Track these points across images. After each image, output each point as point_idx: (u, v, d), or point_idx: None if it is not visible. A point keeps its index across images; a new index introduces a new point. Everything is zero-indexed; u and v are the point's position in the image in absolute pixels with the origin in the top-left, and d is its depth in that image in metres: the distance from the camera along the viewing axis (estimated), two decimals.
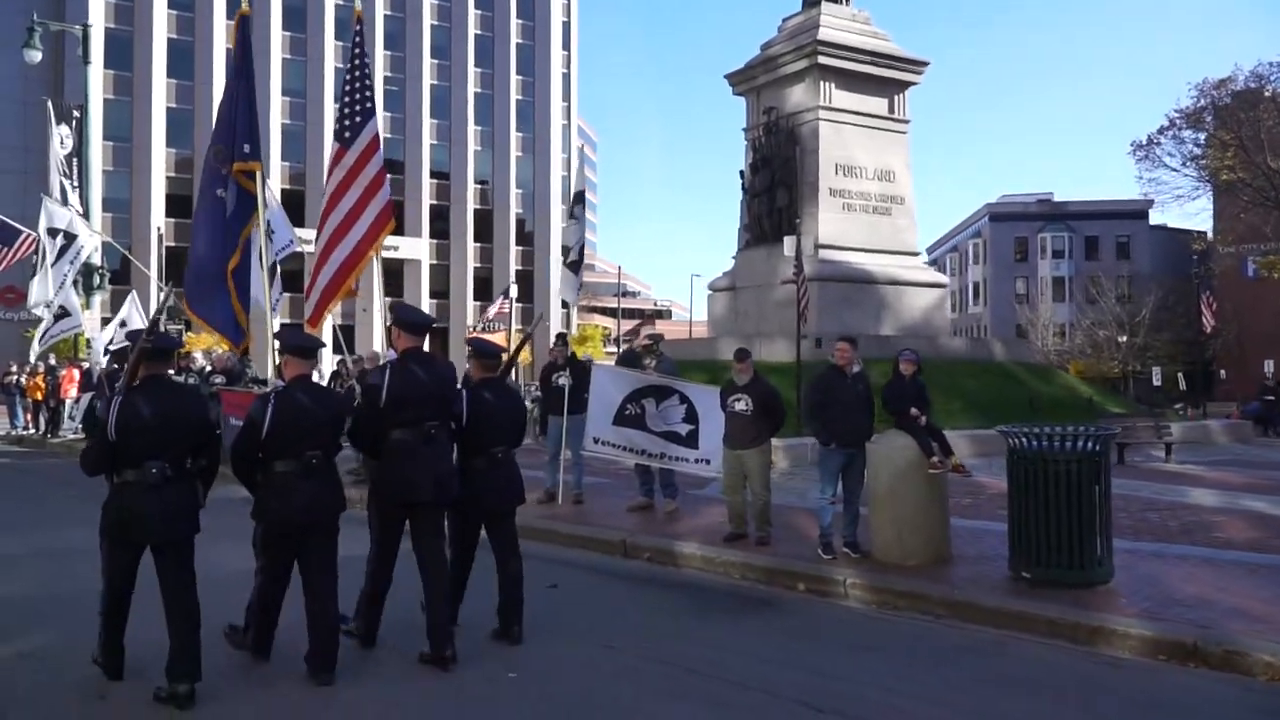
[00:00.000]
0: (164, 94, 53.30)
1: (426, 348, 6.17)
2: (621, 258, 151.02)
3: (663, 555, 8.59)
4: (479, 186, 64.36)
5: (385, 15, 60.92)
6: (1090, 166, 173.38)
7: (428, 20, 62.23)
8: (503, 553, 6.24)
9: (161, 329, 5.90)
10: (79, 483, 5.65)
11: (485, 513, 6.15)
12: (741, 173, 22.68)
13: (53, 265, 16.42)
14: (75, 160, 22.32)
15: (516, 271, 65.57)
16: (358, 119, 10.17)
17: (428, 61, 62.15)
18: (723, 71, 24.07)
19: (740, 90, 23.16)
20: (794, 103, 21.62)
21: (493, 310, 35.54)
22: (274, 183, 56.52)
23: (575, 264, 11.05)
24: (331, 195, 10.21)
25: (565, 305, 57.59)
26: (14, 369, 24.13)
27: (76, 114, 22.48)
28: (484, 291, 64.36)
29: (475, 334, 61.96)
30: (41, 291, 17.27)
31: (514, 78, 65.55)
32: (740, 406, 8.56)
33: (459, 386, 6.25)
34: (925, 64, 22.31)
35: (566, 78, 69.63)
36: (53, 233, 16.60)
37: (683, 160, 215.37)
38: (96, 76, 22.84)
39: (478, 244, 64.26)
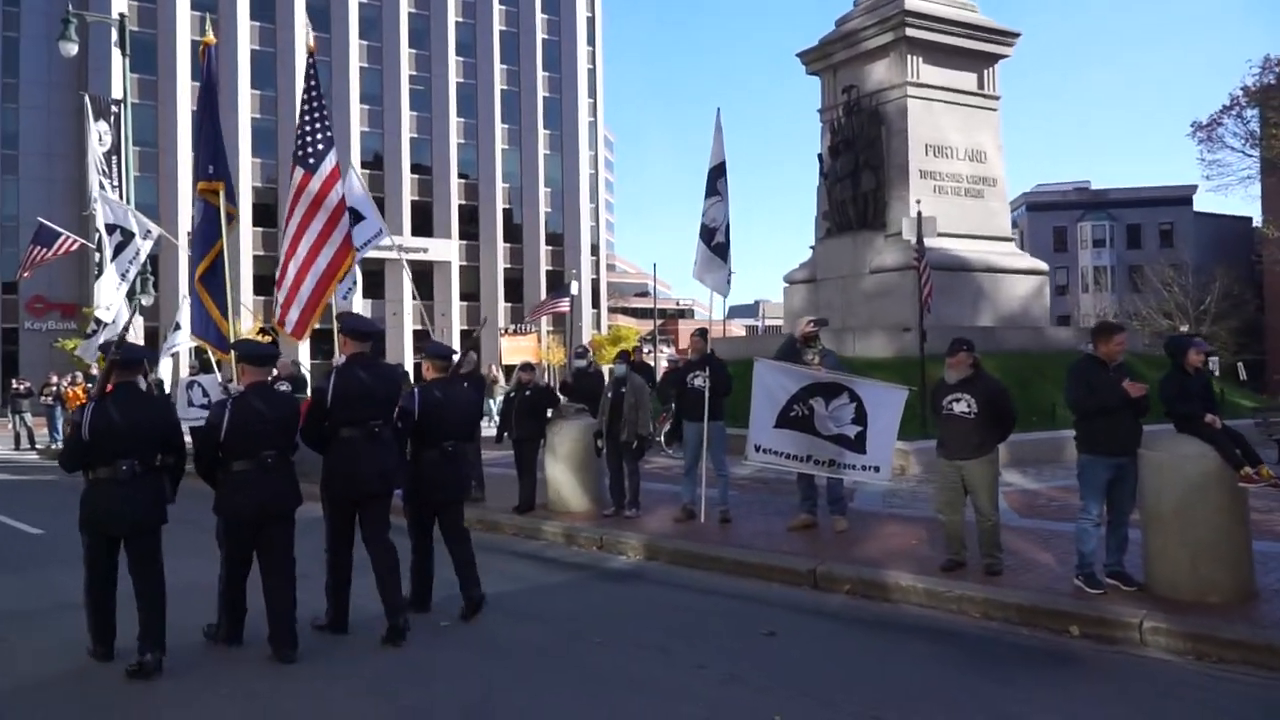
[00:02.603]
0: (189, 98, 52.06)
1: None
2: (637, 257, 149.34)
3: (868, 588, 7.18)
4: (507, 186, 63.06)
5: (410, 13, 59.75)
6: (1124, 153, 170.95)
7: (452, 17, 60.99)
8: (453, 539, 6.77)
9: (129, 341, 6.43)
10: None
11: (436, 502, 6.71)
12: (820, 157, 21.29)
13: (112, 262, 15.17)
14: (114, 157, 21.12)
15: (547, 272, 64.25)
16: (319, 146, 10.78)
17: (453, 59, 60.89)
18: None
19: (814, 69, 21.72)
20: (876, 80, 20.18)
21: (548, 306, 34.20)
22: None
23: (722, 246, 9.62)
24: (303, 217, 10.80)
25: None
26: (54, 380, 22.92)
27: (115, 109, 21.27)
28: (514, 293, 63.08)
29: (507, 332, 60.68)
30: (108, 293, 16.06)
31: (540, 74, 64.23)
32: (960, 409, 7.14)
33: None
34: (1016, 35, 20.81)
35: (592, 74, 68.24)
36: (110, 229, 15.32)
37: (695, 158, 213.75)
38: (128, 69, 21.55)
39: (507, 244, 62.93)
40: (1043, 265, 21.10)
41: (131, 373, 5.77)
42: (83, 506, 5.57)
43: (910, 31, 19.40)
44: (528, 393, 10.70)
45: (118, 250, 15.07)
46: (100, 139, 20.78)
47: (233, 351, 7.39)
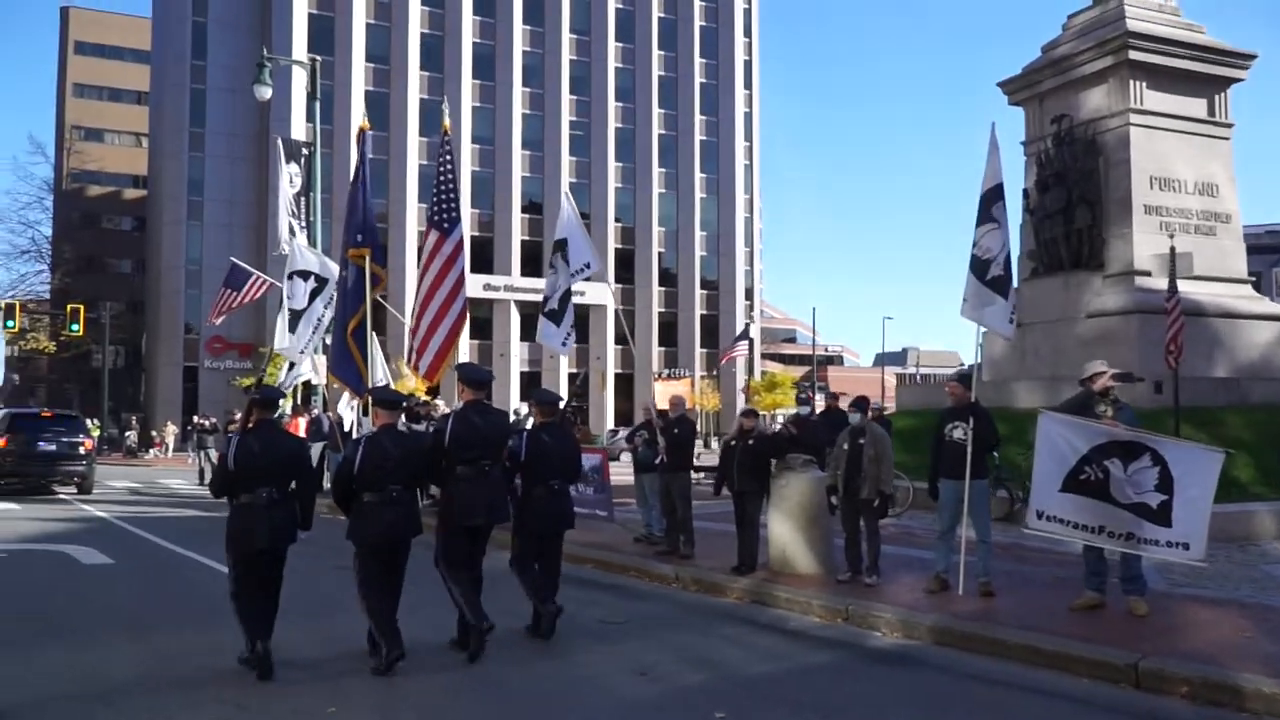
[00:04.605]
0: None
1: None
2: (782, 302, 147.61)
3: (1215, 691, 5.87)
4: (662, 230, 62.92)
5: (571, 60, 60.66)
6: None
7: (612, 63, 61.62)
8: (549, 566, 7.42)
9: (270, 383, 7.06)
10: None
11: (541, 534, 7.36)
12: (1025, 192, 19.80)
13: (305, 309, 15.27)
14: (304, 199, 21.45)
15: (701, 316, 63.63)
16: (452, 214, 12.06)
17: (612, 104, 61.42)
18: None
19: (1018, 99, 20.33)
20: (1092, 108, 18.66)
21: (729, 358, 33.58)
22: (465, 228, 56.63)
23: (1000, 280, 8.53)
24: (437, 274, 11.94)
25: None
26: (238, 416, 23.37)
27: (306, 151, 21.66)
28: (668, 337, 62.65)
29: (661, 378, 60.28)
30: (283, 338, 16.20)
31: (698, 118, 64.15)
32: None
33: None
34: (1252, 57, 18.98)
35: (748, 117, 67.76)
36: (304, 275, 15.43)
37: (839, 202, 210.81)
38: (300, 112, 21.96)
39: (662, 288, 62.64)
40: None
41: (269, 411, 6.53)
42: (229, 527, 6.33)
43: (1133, 55, 17.87)
44: (750, 441, 9.76)
45: (313, 295, 15.28)
46: (291, 181, 21.14)
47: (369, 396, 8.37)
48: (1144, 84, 18.15)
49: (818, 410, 15.41)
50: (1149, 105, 18.10)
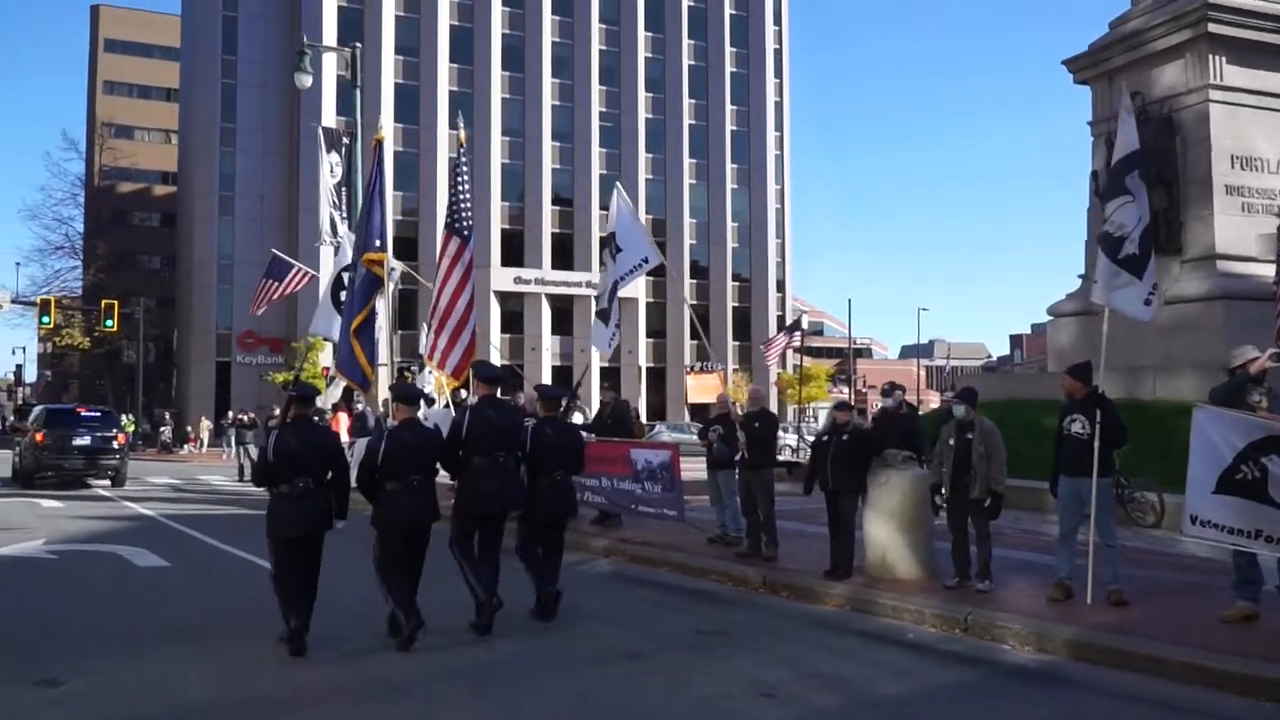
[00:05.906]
0: (390, 138, 53.52)
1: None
2: (806, 294, 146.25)
3: None
4: (694, 221, 62.13)
5: (600, 50, 59.92)
6: None
7: (642, 53, 60.85)
8: (551, 552, 7.73)
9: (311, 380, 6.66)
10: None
11: (544, 522, 7.66)
12: (1094, 174, 18.95)
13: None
14: (344, 190, 20.92)
15: (733, 308, 62.85)
16: (470, 221, 12.43)
17: (643, 95, 60.65)
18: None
19: (1084, 77, 19.49)
20: (1167, 84, 17.80)
21: (775, 350, 32.87)
22: (496, 221, 56.02)
23: (1136, 259, 7.82)
24: (461, 279, 12.29)
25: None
26: (278, 411, 22.92)
27: (346, 140, 21.13)
28: (701, 329, 61.86)
29: (694, 373, 59.68)
30: (325, 324, 15.77)
31: (728, 108, 63.24)
32: None
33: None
34: None
35: (779, 106, 66.80)
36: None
37: (858, 196, 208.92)
38: (331, 105, 21.40)
39: (693, 280, 61.87)
40: None
41: (306, 407, 6.89)
42: (268, 517, 6.70)
43: (1213, 27, 17.00)
44: (845, 436, 9.07)
45: None
46: (332, 171, 20.63)
47: (390, 391, 8.81)
48: (1224, 58, 17.27)
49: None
50: (1229, 80, 17.22)
